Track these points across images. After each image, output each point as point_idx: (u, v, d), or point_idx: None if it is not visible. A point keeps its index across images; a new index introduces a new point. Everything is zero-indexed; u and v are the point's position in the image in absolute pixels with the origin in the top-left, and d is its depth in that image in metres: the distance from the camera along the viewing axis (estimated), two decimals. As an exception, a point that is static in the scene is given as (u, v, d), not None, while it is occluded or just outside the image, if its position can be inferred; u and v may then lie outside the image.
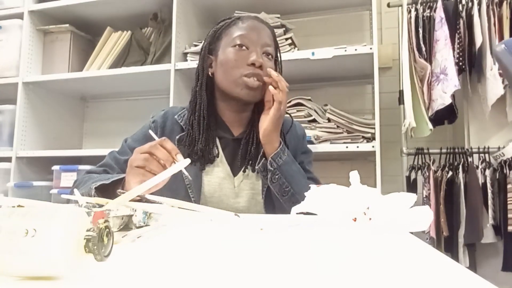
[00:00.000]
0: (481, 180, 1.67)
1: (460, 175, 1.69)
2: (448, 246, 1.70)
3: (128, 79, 2.10)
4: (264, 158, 0.99)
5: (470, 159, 1.71)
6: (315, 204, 0.62)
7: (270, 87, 0.95)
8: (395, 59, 2.06)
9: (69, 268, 0.29)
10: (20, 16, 2.18)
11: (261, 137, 0.97)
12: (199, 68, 1.06)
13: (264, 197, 1.01)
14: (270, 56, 1.02)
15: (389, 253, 0.42)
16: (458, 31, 1.71)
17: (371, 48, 1.66)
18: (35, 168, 2.16)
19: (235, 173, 1.03)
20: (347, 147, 1.67)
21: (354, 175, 0.61)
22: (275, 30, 1.80)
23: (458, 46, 1.70)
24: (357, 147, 1.66)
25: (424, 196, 1.72)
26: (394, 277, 0.31)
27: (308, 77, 2.04)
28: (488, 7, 1.68)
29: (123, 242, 0.47)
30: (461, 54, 1.69)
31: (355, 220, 0.58)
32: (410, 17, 1.78)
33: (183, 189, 0.99)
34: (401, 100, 1.80)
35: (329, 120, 1.77)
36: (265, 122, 0.97)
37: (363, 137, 1.72)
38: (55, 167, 2.01)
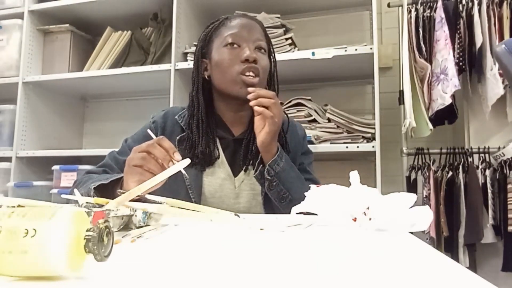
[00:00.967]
0: (481, 180, 1.67)
1: (460, 175, 1.69)
2: (448, 246, 1.70)
3: (128, 79, 2.10)
4: (261, 165, 0.98)
5: (470, 159, 1.71)
6: (315, 204, 0.62)
7: (256, 108, 0.92)
8: (395, 59, 2.06)
9: (69, 268, 0.29)
10: (20, 16, 2.18)
11: (259, 147, 0.96)
12: (194, 73, 1.06)
13: (263, 198, 1.01)
14: (263, 51, 1.01)
15: (389, 253, 0.42)
16: (458, 31, 1.71)
17: (371, 48, 1.66)
18: (35, 168, 2.16)
19: (235, 174, 1.02)
20: (347, 147, 1.67)
21: (354, 175, 0.61)
22: (275, 30, 1.82)
23: (458, 46, 1.70)
24: (357, 147, 1.66)
25: (424, 196, 1.72)
26: (394, 277, 0.31)
27: (308, 77, 2.04)
28: (488, 7, 1.68)
29: (123, 242, 0.47)
30: (461, 54, 1.69)
31: (355, 220, 0.58)
32: (410, 17, 1.78)
33: (183, 190, 0.99)
34: (401, 100, 1.80)
35: (329, 120, 1.77)
36: (262, 135, 0.94)
37: (363, 137, 1.72)
38: (55, 167, 2.01)
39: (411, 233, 0.54)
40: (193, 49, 1.93)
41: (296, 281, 0.29)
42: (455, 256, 1.65)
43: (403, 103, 1.74)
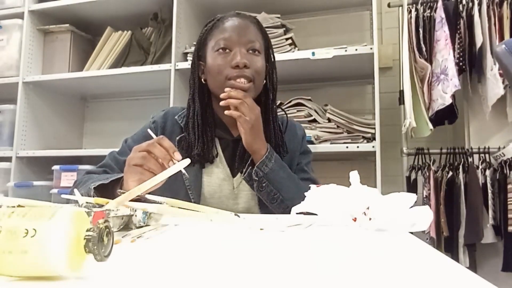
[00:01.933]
0: (481, 180, 1.66)
1: (460, 175, 1.69)
2: (448, 246, 1.70)
3: (128, 79, 2.10)
4: (250, 167, 0.97)
5: (470, 159, 1.71)
6: (315, 204, 0.62)
7: (226, 112, 0.93)
8: (395, 59, 2.06)
9: (69, 268, 0.29)
10: (20, 16, 2.18)
11: (247, 149, 0.96)
12: (191, 76, 1.05)
13: (258, 198, 1.01)
14: (257, 52, 0.99)
15: (389, 253, 0.42)
16: (458, 31, 1.71)
17: (371, 48, 1.66)
18: (35, 168, 2.16)
19: (234, 174, 1.02)
20: (347, 147, 1.67)
21: (354, 175, 0.61)
22: (275, 30, 1.82)
23: (458, 46, 1.70)
24: (357, 147, 1.66)
25: (424, 196, 1.72)
26: (394, 277, 0.31)
27: (308, 77, 2.04)
28: (488, 7, 1.68)
29: (123, 242, 0.47)
30: (461, 54, 1.69)
31: (355, 220, 0.58)
32: (411, 17, 1.78)
33: (183, 190, 0.99)
34: (401, 100, 1.80)
35: (329, 120, 1.77)
36: (242, 137, 0.95)
37: (363, 137, 1.72)
38: (55, 167, 2.01)
39: (411, 233, 0.54)
40: (193, 49, 1.93)
41: (296, 281, 0.29)
42: (455, 256, 1.65)
43: (403, 103, 1.74)
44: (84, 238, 0.29)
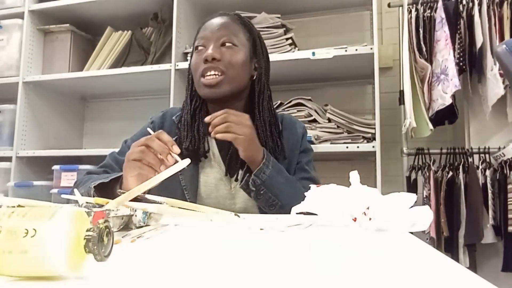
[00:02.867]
0: (481, 181, 1.66)
1: (461, 175, 1.69)
2: (448, 246, 1.70)
3: (128, 79, 2.10)
4: (247, 175, 0.95)
5: (470, 160, 1.71)
6: (315, 204, 0.62)
7: (218, 136, 0.90)
8: (395, 59, 2.06)
9: (69, 268, 0.29)
10: (20, 15, 2.18)
11: (244, 160, 0.94)
12: (187, 78, 1.08)
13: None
14: (232, 45, 0.98)
15: (389, 253, 0.42)
16: (458, 31, 1.71)
17: (371, 48, 1.66)
18: (35, 168, 2.16)
19: (231, 174, 1.01)
20: (347, 147, 1.67)
21: (354, 175, 0.61)
22: (276, 30, 1.82)
23: (458, 46, 1.70)
24: (357, 147, 1.66)
25: (424, 196, 1.72)
26: (394, 277, 0.31)
27: (308, 77, 2.04)
28: (488, 7, 1.68)
29: (123, 242, 0.47)
30: (461, 54, 1.69)
31: (355, 220, 0.58)
32: (411, 17, 1.78)
33: (179, 190, 0.98)
34: (401, 100, 1.80)
35: (329, 120, 1.77)
36: (240, 153, 0.93)
37: (363, 137, 1.72)
38: (55, 167, 2.01)
39: (411, 233, 0.54)
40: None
41: (296, 281, 0.29)
42: (455, 256, 1.65)
43: (403, 103, 1.74)
44: (84, 238, 0.29)
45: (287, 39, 1.82)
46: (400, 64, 1.81)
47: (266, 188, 0.93)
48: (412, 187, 1.79)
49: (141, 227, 0.59)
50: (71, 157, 2.10)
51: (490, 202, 1.62)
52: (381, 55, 1.91)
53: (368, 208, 0.57)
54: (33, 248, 0.28)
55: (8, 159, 2.09)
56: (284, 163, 1.03)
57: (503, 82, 1.59)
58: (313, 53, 1.71)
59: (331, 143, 1.73)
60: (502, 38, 1.65)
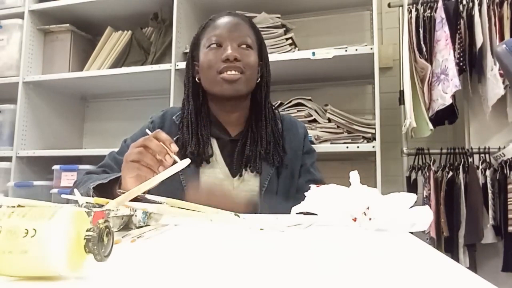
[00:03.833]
0: (481, 181, 1.66)
1: (461, 175, 1.69)
2: (448, 246, 1.70)
3: (129, 79, 2.10)
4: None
5: (470, 160, 1.71)
6: (315, 204, 0.62)
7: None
8: (395, 59, 2.06)
9: (69, 268, 0.29)
10: (20, 15, 2.18)
11: None
12: (185, 77, 1.07)
13: (262, 198, 1.00)
14: (248, 47, 1.01)
15: (389, 253, 0.42)
16: (458, 31, 1.71)
17: (371, 48, 1.66)
18: (35, 168, 2.16)
19: (233, 174, 1.01)
20: (347, 147, 1.67)
21: (354, 175, 0.61)
22: (276, 30, 1.82)
23: (458, 46, 1.70)
24: (358, 147, 1.65)
25: (424, 196, 1.72)
26: (394, 277, 0.31)
27: (308, 77, 2.04)
28: (488, 7, 1.68)
29: (123, 242, 0.47)
30: (461, 54, 1.69)
31: (355, 220, 0.58)
32: (411, 17, 1.78)
33: (179, 191, 0.98)
34: (401, 100, 1.80)
35: (329, 120, 1.77)
36: None
37: (363, 137, 1.72)
38: (56, 167, 2.01)
39: (411, 233, 0.54)
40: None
41: (296, 281, 0.29)
42: (455, 256, 1.65)
43: (403, 103, 1.74)
44: (84, 238, 0.29)
45: (287, 39, 1.82)
46: (400, 64, 1.81)
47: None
48: (412, 187, 1.79)
49: (141, 227, 0.59)
50: (71, 157, 2.10)
51: (490, 202, 1.62)
52: (381, 55, 1.91)
53: (368, 208, 0.57)
54: (33, 248, 0.28)
55: (8, 159, 2.09)
56: (287, 172, 1.03)
57: (503, 82, 1.59)
58: (313, 53, 1.71)
59: (331, 143, 1.73)
60: (502, 38, 1.65)
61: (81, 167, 1.96)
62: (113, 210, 0.55)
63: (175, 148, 0.73)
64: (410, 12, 1.79)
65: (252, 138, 1.02)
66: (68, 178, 1.97)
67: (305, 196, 0.63)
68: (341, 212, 0.60)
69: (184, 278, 0.31)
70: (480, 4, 1.69)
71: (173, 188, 0.97)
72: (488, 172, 1.66)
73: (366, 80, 2.02)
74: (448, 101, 1.63)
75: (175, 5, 1.93)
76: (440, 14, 1.72)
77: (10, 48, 2.18)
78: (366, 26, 2.12)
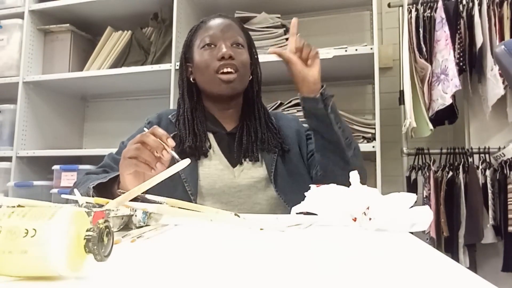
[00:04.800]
0: (481, 181, 1.66)
1: (461, 175, 1.69)
2: (448, 246, 1.70)
3: (129, 79, 2.10)
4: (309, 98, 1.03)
5: (470, 160, 1.71)
6: (315, 204, 0.62)
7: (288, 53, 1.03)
8: (395, 59, 2.05)
9: (69, 268, 0.29)
10: (20, 15, 2.18)
11: (312, 87, 1.05)
12: (179, 78, 1.10)
13: (273, 179, 1.01)
14: (241, 46, 1.05)
15: (389, 253, 0.42)
16: (458, 32, 1.71)
17: (371, 48, 1.66)
18: (35, 168, 2.16)
19: (233, 165, 1.03)
20: (347, 147, 1.67)
21: (354, 175, 0.61)
22: (275, 30, 1.82)
23: (458, 46, 1.70)
24: (357, 147, 1.65)
25: (424, 196, 1.72)
26: (394, 277, 0.31)
27: (308, 77, 2.04)
28: (488, 7, 1.68)
29: (123, 242, 0.47)
30: (461, 54, 1.69)
31: (355, 220, 0.58)
32: (411, 17, 1.78)
33: (180, 185, 0.98)
34: (401, 100, 1.80)
35: (329, 120, 1.77)
36: (315, 74, 1.07)
37: (363, 137, 1.72)
38: (56, 167, 2.01)
39: (411, 233, 0.54)
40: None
41: (296, 281, 0.29)
42: (455, 256, 1.65)
43: (403, 103, 1.74)
44: (84, 238, 0.29)
45: (287, 39, 1.81)
46: (400, 64, 1.81)
47: (336, 115, 1.02)
48: (412, 187, 1.79)
49: (141, 227, 0.59)
50: (71, 157, 2.10)
51: (490, 202, 1.62)
52: (381, 55, 1.91)
53: (368, 208, 0.57)
54: (33, 248, 0.28)
55: (8, 159, 2.08)
56: (292, 154, 1.07)
57: (503, 82, 1.59)
58: (313, 53, 1.70)
59: (331, 143, 1.72)
60: (502, 38, 1.65)
61: (81, 167, 1.96)
62: (113, 210, 0.55)
63: (172, 143, 0.74)
64: (410, 12, 1.79)
65: (247, 131, 1.06)
66: (68, 178, 1.97)
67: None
68: (341, 212, 0.60)
69: (184, 278, 0.31)
70: (480, 4, 1.69)
71: (173, 183, 0.97)
72: (488, 172, 1.66)
73: (366, 80, 2.02)
74: (448, 101, 1.63)
75: (175, 5, 1.93)
76: (440, 14, 1.72)
77: (10, 48, 2.18)
78: (366, 26, 2.12)
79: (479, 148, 1.71)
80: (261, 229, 0.57)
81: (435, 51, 1.72)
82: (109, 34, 2.17)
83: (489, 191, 1.63)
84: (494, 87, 1.61)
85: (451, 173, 1.72)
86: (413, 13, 1.78)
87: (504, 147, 1.66)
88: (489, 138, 1.75)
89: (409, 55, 1.73)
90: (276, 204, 1.00)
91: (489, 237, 1.62)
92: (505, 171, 1.63)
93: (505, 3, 1.67)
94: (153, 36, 2.14)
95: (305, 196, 0.62)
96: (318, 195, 0.62)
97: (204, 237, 0.54)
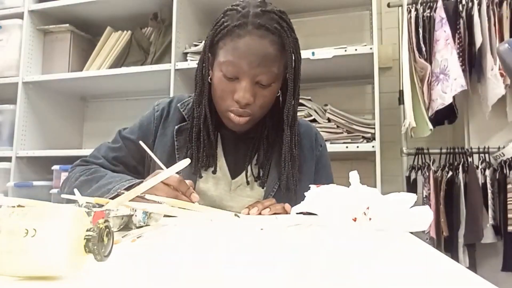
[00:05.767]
0: (481, 180, 1.67)
1: (460, 175, 1.69)
2: (448, 246, 1.70)
3: (128, 79, 2.10)
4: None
5: (470, 159, 1.71)
6: (315, 204, 0.62)
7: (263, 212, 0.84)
8: (395, 59, 2.06)
9: (69, 268, 0.29)
10: (20, 16, 2.18)
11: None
12: (198, 73, 0.92)
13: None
14: (267, 85, 0.87)
15: (389, 253, 0.42)
16: (458, 31, 1.71)
17: (371, 48, 1.66)
18: (35, 168, 2.16)
19: (234, 176, 0.95)
20: (347, 147, 1.67)
21: (354, 175, 0.61)
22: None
23: (458, 46, 1.70)
24: (357, 147, 1.66)
25: (424, 196, 1.72)
26: (394, 277, 0.31)
27: (308, 77, 2.03)
28: (488, 7, 1.68)
29: (123, 242, 0.47)
30: (461, 54, 1.69)
31: (355, 220, 0.58)
32: (410, 17, 1.78)
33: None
34: (401, 100, 1.80)
35: (329, 120, 1.77)
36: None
37: (363, 137, 1.72)
38: (55, 167, 2.01)
39: (411, 233, 0.54)
40: (193, 49, 1.94)
41: (296, 281, 0.29)
42: (455, 256, 1.65)
43: (403, 103, 1.74)
44: (84, 238, 0.29)
45: (287, 39, 1.81)
46: (400, 64, 1.81)
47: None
48: (412, 187, 1.79)
49: (141, 227, 0.59)
50: (71, 157, 2.09)
51: (489, 202, 1.62)
52: (380, 55, 1.91)
53: (368, 208, 0.57)
54: (33, 248, 0.28)
55: (8, 159, 2.08)
56: (304, 173, 0.98)
57: (504, 82, 1.59)
58: (313, 53, 1.71)
59: (330, 143, 1.73)
60: (501, 38, 1.65)
61: (81, 167, 1.96)
62: (113, 210, 0.55)
63: (195, 198, 0.75)
64: (409, 12, 1.79)
65: (266, 143, 0.95)
66: (68, 178, 1.96)
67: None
68: (341, 212, 0.60)
69: (184, 278, 0.31)
70: (479, 4, 1.69)
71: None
72: (487, 172, 1.66)
73: (365, 80, 2.02)
74: (448, 101, 1.63)
75: (174, 5, 1.93)
76: (440, 14, 1.72)
77: (9, 48, 2.18)
78: (366, 26, 2.12)
79: (478, 148, 1.71)
80: (261, 229, 0.57)
81: (435, 51, 1.72)
82: (109, 34, 2.17)
83: (489, 191, 1.63)
84: (495, 86, 1.61)
85: (450, 173, 1.72)
86: (413, 13, 1.78)
87: (504, 147, 1.66)
88: (488, 138, 1.76)
89: (409, 55, 1.73)
90: None
91: (488, 236, 1.63)
92: (505, 171, 1.64)
93: (504, 3, 1.67)
94: (153, 36, 2.14)
95: (305, 196, 0.62)
96: (318, 195, 0.62)
97: (204, 237, 0.54)
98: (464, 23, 1.72)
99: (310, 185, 0.64)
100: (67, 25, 2.19)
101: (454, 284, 0.29)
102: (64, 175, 1.98)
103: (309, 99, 1.85)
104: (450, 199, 1.70)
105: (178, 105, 1.00)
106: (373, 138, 1.66)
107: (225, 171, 0.95)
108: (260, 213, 0.81)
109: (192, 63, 1.87)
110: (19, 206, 0.41)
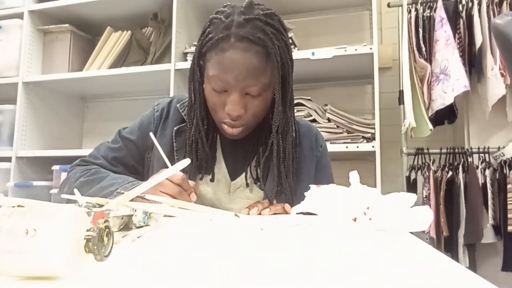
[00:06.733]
0: (481, 180, 1.67)
1: (460, 175, 1.69)
2: (448, 246, 1.70)
3: (128, 79, 2.10)
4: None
5: (470, 159, 1.71)
6: (315, 204, 0.62)
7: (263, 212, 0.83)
8: (395, 59, 2.06)
9: (69, 268, 0.29)
10: (20, 16, 2.18)
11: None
12: (189, 85, 0.91)
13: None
14: (258, 95, 0.85)
15: (389, 253, 0.42)
16: (458, 31, 1.71)
17: (371, 48, 1.66)
18: (35, 168, 2.16)
19: (233, 177, 0.94)
20: (347, 147, 1.67)
21: (354, 175, 0.61)
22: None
23: (458, 46, 1.70)
24: (357, 147, 1.66)
25: (424, 196, 1.72)
26: (394, 277, 0.31)
27: (308, 77, 2.04)
28: (488, 7, 1.68)
29: (123, 242, 0.47)
30: (461, 54, 1.69)
31: (355, 220, 0.58)
32: (410, 17, 1.78)
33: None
34: (401, 100, 1.80)
35: (329, 120, 1.77)
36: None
37: (363, 137, 1.72)
38: (55, 167, 2.01)
39: (411, 233, 0.54)
40: (193, 49, 1.94)
41: (296, 281, 0.29)
42: (455, 256, 1.65)
43: (403, 103, 1.74)
44: (84, 238, 0.29)
45: (287, 39, 1.81)
46: (400, 64, 1.82)
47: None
48: (411, 187, 1.79)
49: (141, 227, 0.59)
50: (71, 157, 2.09)
51: (489, 202, 1.62)
52: (380, 55, 1.91)
53: (368, 208, 0.57)
54: (33, 248, 0.28)
55: (8, 159, 2.08)
56: (304, 175, 0.97)
57: (504, 82, 1.59)
58: (313, 53, 1.71)
59: (330, 143, 1.73)
60: (501, 38, 1.65)
61: (81, 167, 1.96)
62: (113, 210, 0.55)
63: (194, 198, 0.80)
64: (409, 12, 1.79)
65: (265, 145, 0.92)
66: (67, 178, 1.96)
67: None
68: (341, 212, 0.60)
69: (184, 278, 0.31)
70: (479, 4, 1.69)
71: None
72: (487, 172, 1.66)
73: (365, 80, 2.02)
74: (448, 101, 1.63)
75: (174, 5, 1.93)
76: (440, 13, 1.72)
77: (9, 48, 2.18)
78: (366, 26, 2.12)
79: (478, 148, 1.71)
80: (261, 229, 0.57)
81: (435, 51, 1.72)
82: (109, 34, 2.17)
83: (489, 191, 1.63)
84: (495, 86, 1.61)
85: (450, 173, 1.72)
86: (413, 13, 1.78)
87: (504, 147, 1.66)
88: (488, 138, 1.76)
89: (409, 55, 1.73)
90: None
91: (488, 236, 1.63)
92: (505, 171, 1.64)
93: (504, 3, 1.67)
94: (153, 36, 2.14)
95: (304, 197, 0.62)
96: (318, 195, 0.62)
97: (204, 237, 0.54)
98: (464, 23, 1.72)
99: (310, 185, 0.64)
100: (67, 25, 2.19)
101: (454, 284, 0.29)
102: (64, 175, 1.97)
103: (309, 99, 1.85)
104: (450, 199, 1.70)
105: (178, 105, 0.99)
106: (373, 138, 1.66)
107: (224, 173, 0.95)
108: (260, 213, 0.82)
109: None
110: (19, 206, 0.41)
